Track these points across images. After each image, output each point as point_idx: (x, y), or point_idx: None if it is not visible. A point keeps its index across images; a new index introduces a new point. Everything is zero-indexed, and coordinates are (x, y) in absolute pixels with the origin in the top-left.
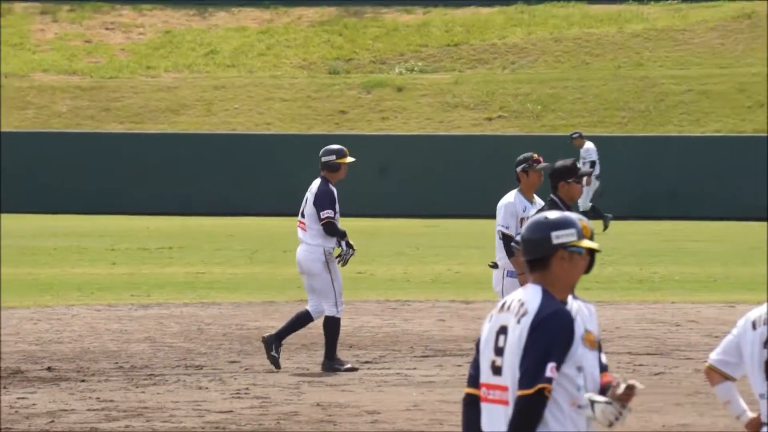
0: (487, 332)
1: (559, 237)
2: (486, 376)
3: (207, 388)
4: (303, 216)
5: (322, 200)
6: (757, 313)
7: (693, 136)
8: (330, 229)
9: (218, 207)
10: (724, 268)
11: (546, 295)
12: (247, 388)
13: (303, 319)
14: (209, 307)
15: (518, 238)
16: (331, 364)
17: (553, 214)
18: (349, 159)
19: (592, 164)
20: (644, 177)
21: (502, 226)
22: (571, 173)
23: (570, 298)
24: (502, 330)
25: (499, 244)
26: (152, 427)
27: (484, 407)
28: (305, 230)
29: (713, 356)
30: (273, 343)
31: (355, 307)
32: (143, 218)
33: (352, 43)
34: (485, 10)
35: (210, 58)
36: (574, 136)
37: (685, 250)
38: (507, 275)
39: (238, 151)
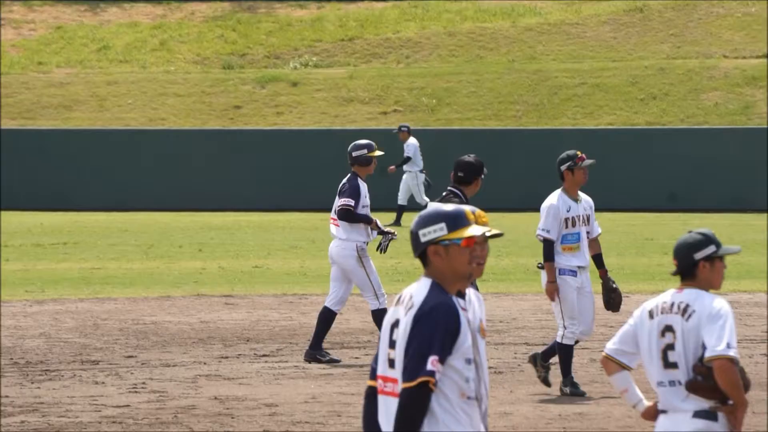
0: (384, 325)
1: (425, 235)
2: (382, 368)
3: (103, 382)
4: (334, 212)
5: (346, 191)
6: (653, 303)
7: (587, 128)
8: (345, 215)
9: (112, 203)
10: (618, 259)
11: (434, 288)
12: (143, 383)
13: (327, 316)
14: (105, 302)
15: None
16: (315, 353)
17: (427, 210)
18: (378, 152)
19: (406, 160)
20: (538, 170)
21: (542, 230)
22: (479, 171)
23: (470, 289)
24: (396, 323)
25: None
26: (48, 422)
27: (381, 399)
28: (337, 225)
29: (609, 346)
30: (313, 354)
31: (252, 300)
32: (37, 214)
33: (245, 38)
34: (379, 5)
35: (102, 54)
36: (403, 129)
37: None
38: (558, 274)
39: (132, 146)
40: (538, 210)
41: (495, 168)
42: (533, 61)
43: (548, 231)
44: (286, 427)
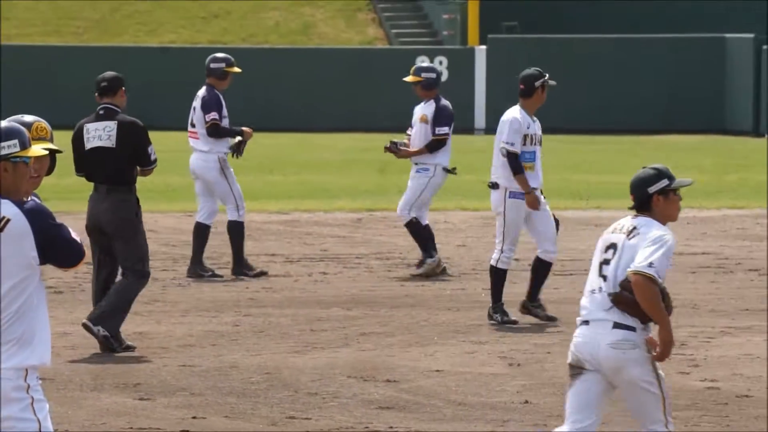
0: None
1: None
2: None
3: None
4: (193, 126)
5: (209, 104)
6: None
7: (148, 46)
8: (214, 131)
9: None
10: (182, 178)
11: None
12: None
13: (202, 231)
14: None
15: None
16: (240, 269)
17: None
18: (236, 69)
19: None
20: None
21: (507, 143)
22: (122, 82)
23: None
24: None
25: (500, 162)
26: None
27: None
28: (197, 138)
29: None
30: (195, 269)
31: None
32: None
33: None
34: None
35: None
36: None
37: None
38: (509, 196)
39: None
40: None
41: (62, 86)
42: None
43: (513, 144)
44: None
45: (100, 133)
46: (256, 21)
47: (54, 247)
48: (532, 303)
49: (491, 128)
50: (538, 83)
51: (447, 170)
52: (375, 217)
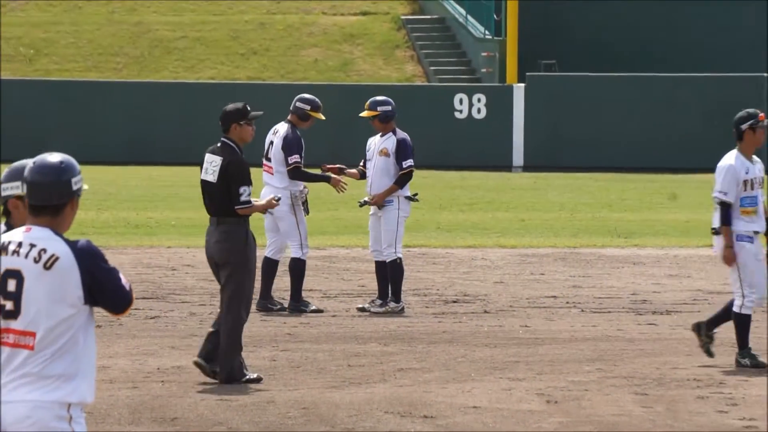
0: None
1: (5, 189)
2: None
3: None
4: (269, 160)
5: (291, 145)
6: None
7: (188, 82)
8: (296, 174)
9: None
10: None
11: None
12: None
13: (270, 266)
14: None
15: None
16: (297, 305)
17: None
18: (320, 116)
19: None
20: (139, 122)
21: (720, 191)
22: (243, 115)
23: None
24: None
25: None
26: None
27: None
28: (272, 174)
29: None
30: (265, 301)
31: None
32: None
33: None
34: None
35: None
36: None
37: (182, 195)
38: (737, 239)
39: None
40: (154, 163)
41: (97, 120)
42: (133, 12)
43: (726, 194)
44: None
45: (208, 167)
46: (296, 58)
47: (101, 290)
48: (708, 332)
49: (529, 166)
50: (744, 126)
51: (410, 198)
52: (412, 253)
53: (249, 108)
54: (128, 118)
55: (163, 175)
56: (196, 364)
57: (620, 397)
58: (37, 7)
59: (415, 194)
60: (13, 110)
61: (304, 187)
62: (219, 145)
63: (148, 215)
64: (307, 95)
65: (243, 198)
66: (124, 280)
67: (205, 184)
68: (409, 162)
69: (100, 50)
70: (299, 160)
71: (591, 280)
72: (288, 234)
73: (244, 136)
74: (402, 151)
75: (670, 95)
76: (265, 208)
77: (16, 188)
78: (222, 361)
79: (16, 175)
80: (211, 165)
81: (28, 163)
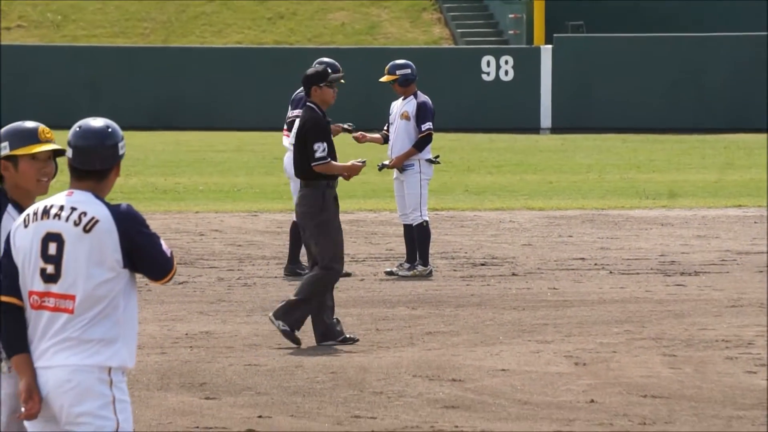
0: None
1: None
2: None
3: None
4: (286, 125)
5: (297, 106)
6: None
7: (215, 47)
8: None
9: None
10: (247, 178)
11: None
12: None
13: (297, 231)
14: None
15: None
16: (293, 267)
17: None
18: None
19: None
20: (166, 87)
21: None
22: (322, 77)
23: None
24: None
25: None
26: None
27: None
28: (289, 137)
29: None
30: (293, 266)
31: None
32: None
33: None
34: None
35: None
36: None
37: (209, 160)
38: None
39: None
40: (181, 128)
41: (124, 86)
42: None
43: None
44: None
45: (295, 130)
46: (322, 22)
47: (140, 255)
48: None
49: (557, 128)
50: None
51: (431, 161)
52: (440, 216)
53: (330, 71)
54: (155, 83)
55: (190, 140)
56: (270, 319)
57: (648, 358)
58: None
59: (437, 156)
60: (41, 76)
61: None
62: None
63: (175, 180)
64: (325, 59)
65: (318, 154)
66: (164, 247)
67: (294, 146)
68: (428, 125)
69: (127, 16)
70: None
71: (619, 242)
72: None
73: (326, 98)
74: (422, 114)
75: (698, 56)
76: (346, 171)
77: (5, 149)
78: (289, 312)
79: (3, 137)
80: (295, 128)
81: (73, 127)
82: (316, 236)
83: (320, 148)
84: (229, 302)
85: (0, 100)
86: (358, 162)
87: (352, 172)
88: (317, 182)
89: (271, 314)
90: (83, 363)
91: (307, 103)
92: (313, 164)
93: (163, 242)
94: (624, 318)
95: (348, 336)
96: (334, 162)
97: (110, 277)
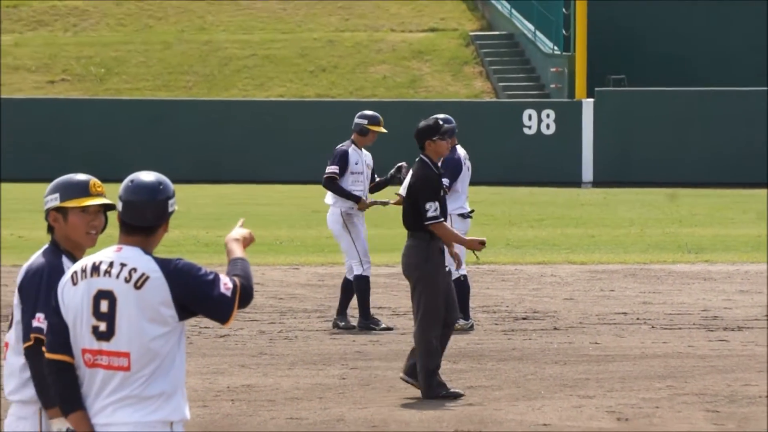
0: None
1: (47, 202)
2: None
3: None
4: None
5: (333, 156)
6: None
7: (258, 100)
8: (327, 183)
9: None
10: (289, 231)
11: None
12: None
13: (345, 286)
14: None
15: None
16: (367, 323)
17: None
18: (381, 129)
19: None
20: (208, 140)
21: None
22: (436, 130)
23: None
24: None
25: None
26: None
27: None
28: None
29: None
30: (366, 322)
31: None
32: None
33: None
34: None
35: None
36: None
37: (252, 213)
38: None
39: None
40: (223, 181)
41: (171, 139)
42: (203, 31)
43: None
44: None
45: (405, 181)
46: (364, 75)
47: (199, 303)
48: None
49: (598, 181)
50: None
51: (463, 216)
52: (481, 269)
53: (441, 123)
54: (197, 136)
55: (232, 193)
56: (403, 379)
57: (691, 414)
58: (108, 27)
59: (472, 211)
60: (84, 129)
61: (382, 201)
62: (417, 160)
63: (217, 233)
64: (366, 111)
65: (430, 213)
66: (224, 287)
67: (405, 197)
68: (446, 181)
69: (170, 69)
70: (336, 171)
71: (661, 296)
72: (347, 252)
73: (440, 151)
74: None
75: (740, 109)
76: (466, 244)
77: (55, 200)
78: (420, 377)
79: (54, 188)
80: (407, 180)
81: (125, 181)
82: (420, 289)
83: (432, 208)
84: (271, 355)
85: (47, 154)
86: (478, 242)
87: (469, 246)
88: (424, 234)
89: (402, 374)
90: (147, 420)
91: (421, 157)
92: (426, 223)
93: (223, 280)
94: (666, 373)
95: (455, 391)
96: (448, 226)
97: (164, 332)
